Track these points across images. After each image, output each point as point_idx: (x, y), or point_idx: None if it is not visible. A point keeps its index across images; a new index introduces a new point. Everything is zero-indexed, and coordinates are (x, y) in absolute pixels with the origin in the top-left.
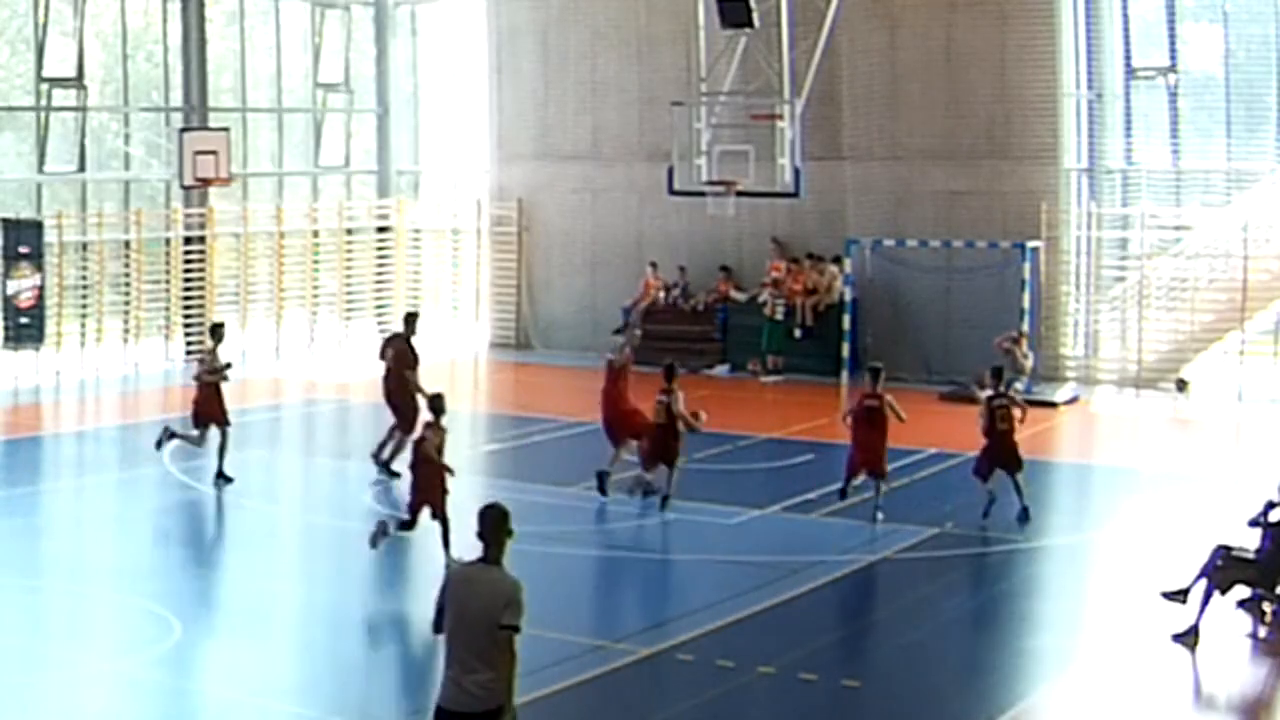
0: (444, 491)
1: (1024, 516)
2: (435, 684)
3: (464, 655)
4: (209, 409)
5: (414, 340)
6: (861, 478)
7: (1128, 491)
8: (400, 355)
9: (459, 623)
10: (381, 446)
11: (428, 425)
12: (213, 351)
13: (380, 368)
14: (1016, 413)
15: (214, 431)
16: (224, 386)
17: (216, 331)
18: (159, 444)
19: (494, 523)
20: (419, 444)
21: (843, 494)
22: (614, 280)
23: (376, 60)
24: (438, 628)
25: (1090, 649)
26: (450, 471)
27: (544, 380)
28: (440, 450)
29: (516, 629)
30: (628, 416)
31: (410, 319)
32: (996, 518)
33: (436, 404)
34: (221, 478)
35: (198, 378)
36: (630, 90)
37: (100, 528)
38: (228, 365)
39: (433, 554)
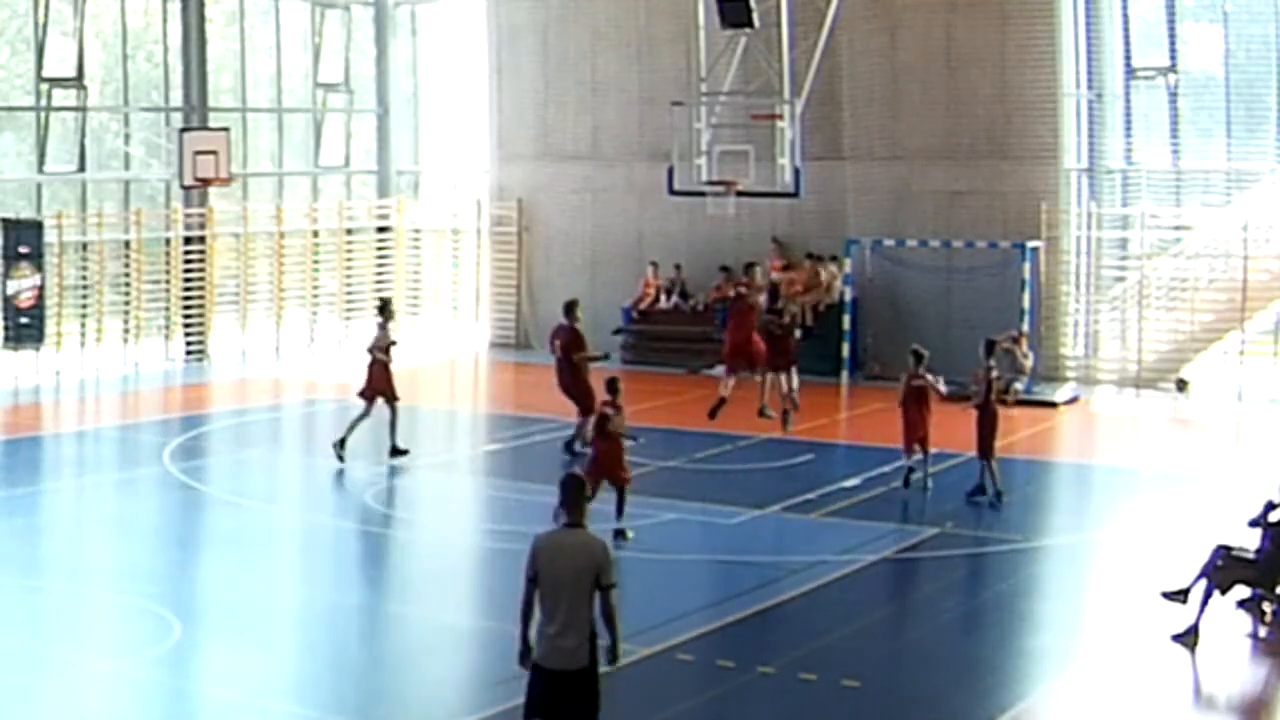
0: (623, 464)
1: (994, 500)
2: (434, 683)
3: (559, 618)
4: (380, 385)
5: (578, 326)
6: (916, 455)
7: (1128, 491)
8: (568, 343)
9: (554, 586)
10: (574, 438)
11: (608, 404)
12: (384, 328)
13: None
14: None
15: (378, 407)
16: (379, 366)
17: (386, 309)
18: (341, 447)
19: (574, 491)
20: (603, 420)
21: (905, 483)
22: (614, 280)
23: (376, 60)
24: (529, 595)
25: (1090, 649)
26: (633, 439)
27: (544, 380)
28: (622, 426)
29: (614, 584)
30: (750, 345)
31: (571, 306)
32: (996, 518)
33: (613, 385)
34: (396, 452)
35: (371, 352)
36: (630, 90)
37: (100, 528)
38: (393, 343)
39: (430, 552)
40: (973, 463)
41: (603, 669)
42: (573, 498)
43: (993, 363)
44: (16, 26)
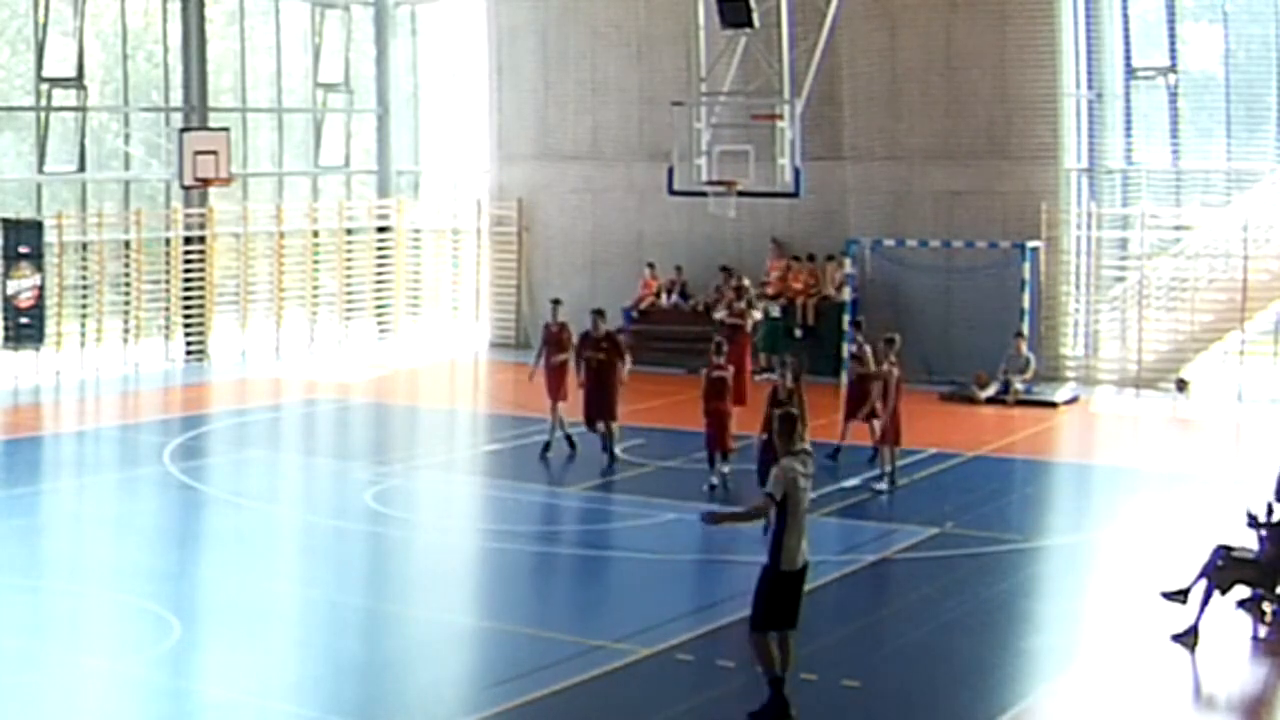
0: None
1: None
2: (434, 683)
3: (802, 526)
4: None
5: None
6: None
7: (1128, 491)
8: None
9: (802, 500)
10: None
11: (893, 364)
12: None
13: None
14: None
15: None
16: None
17: (600, 315)
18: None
19: (791, 423)
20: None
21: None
22: (614, 280)
23: (376, 60)
24: (780, 516)
25: (1090, 649)
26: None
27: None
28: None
29: None
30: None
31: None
32: (996, 518)
33: (893, 343)
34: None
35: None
36: (630, 90)
37: (100, 528)
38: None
39: (430, 552)
40: (971, 463)
41: None
42: (788, 430)
43: (787, 371)
44: (16, 26)
